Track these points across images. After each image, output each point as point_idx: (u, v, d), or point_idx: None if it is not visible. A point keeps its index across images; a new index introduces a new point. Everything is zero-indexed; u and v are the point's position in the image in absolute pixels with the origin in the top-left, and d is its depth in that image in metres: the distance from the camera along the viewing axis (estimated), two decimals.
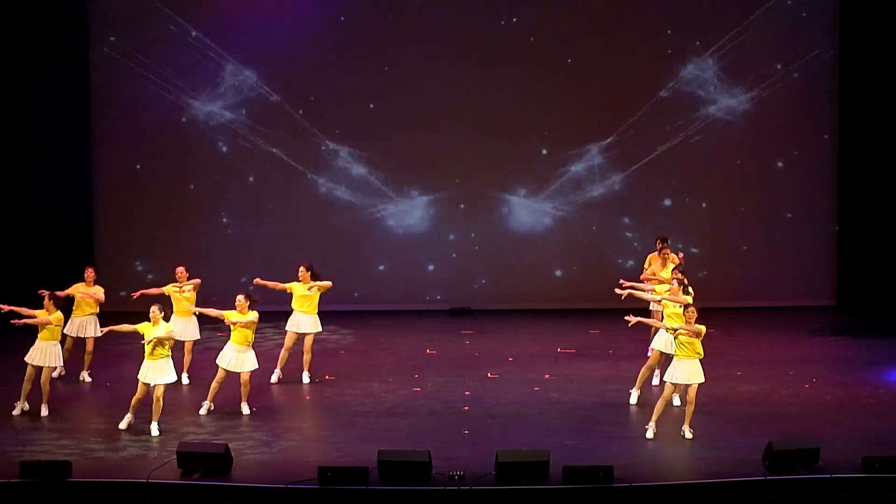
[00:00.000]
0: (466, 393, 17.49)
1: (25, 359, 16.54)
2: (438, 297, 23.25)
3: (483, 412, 16.50)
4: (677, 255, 19.16)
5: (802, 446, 14.11)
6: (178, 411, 16.49)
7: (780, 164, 23.04)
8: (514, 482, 13.65)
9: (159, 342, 15.60)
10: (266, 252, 22.85)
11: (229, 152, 23.03)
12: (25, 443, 15.27)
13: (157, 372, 15.64)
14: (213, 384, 16.50)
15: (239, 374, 16.43)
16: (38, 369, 16.50)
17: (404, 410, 16.67)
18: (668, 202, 23.08)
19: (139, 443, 15.27)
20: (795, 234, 23.16)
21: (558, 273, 23.23)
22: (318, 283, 17.92)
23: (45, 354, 16.47)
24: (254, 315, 16.47)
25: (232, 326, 16.40)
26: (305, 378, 18.07)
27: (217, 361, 16.54)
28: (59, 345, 16.64)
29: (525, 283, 23.20)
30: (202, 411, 16.46)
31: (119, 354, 18.88)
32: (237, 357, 16.42)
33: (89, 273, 18.32)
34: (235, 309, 16.47)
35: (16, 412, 16.47)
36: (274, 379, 17.98)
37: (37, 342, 16.54)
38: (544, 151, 23.13)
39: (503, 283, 23.25)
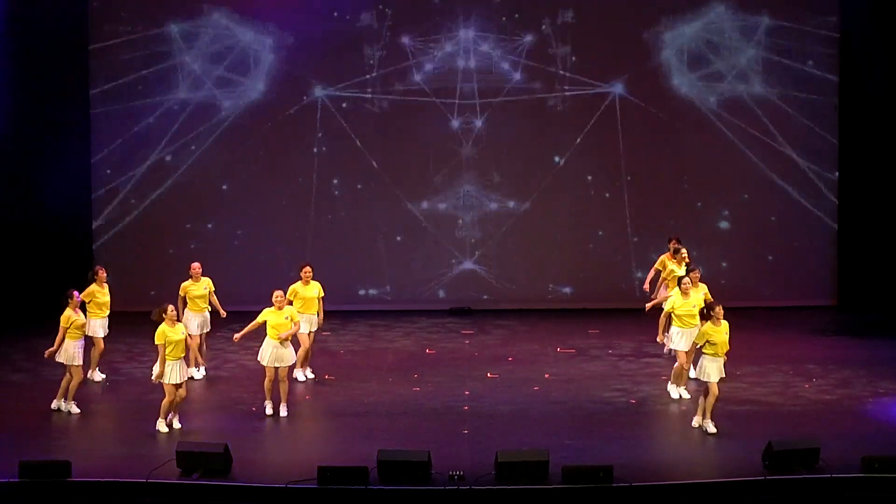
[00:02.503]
0: (466, 393, 17.49)
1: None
2: (438, 297, 23.25)
3: (483, 412, 16.49)
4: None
5: (802, 446, 14.12)
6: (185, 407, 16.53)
7: (780, 164, 23.04)
8: (513, 482, 13.65)
9: (176, 344, 15.62)
10: (265, 252, 22.89)
11: (228, 153, 23.04)
12: (25, 442, 15.27)
13: (181, 372, 15.71)
14: (267, 384, 16.43)
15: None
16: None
17: (404, 410, 16.67)
18: (667, 204, 23.07)
19: (147, 442, 15.33)
20: (796, 235, 23.15)
21: (559, 274, 23.22)
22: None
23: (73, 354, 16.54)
24: (290, 310, 16.59)
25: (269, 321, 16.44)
26: (310, 374, 18.17)
27: (259, 359, 16.53)
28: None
29: (525, 283, 23.21)
30: (268, 411, 16.41)
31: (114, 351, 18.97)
32: (275, 352, 16.40)
33: (101, 273, 18.24)
34: (273, 305, 16.45)
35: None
36: (301, 377, 18.03)
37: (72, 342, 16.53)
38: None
39: (503, 284, 23.25)
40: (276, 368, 16.38)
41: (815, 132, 22.95)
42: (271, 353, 16.39)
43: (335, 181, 23.15)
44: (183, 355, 15.75)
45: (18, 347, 20.11)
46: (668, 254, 19.38)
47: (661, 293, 18.67)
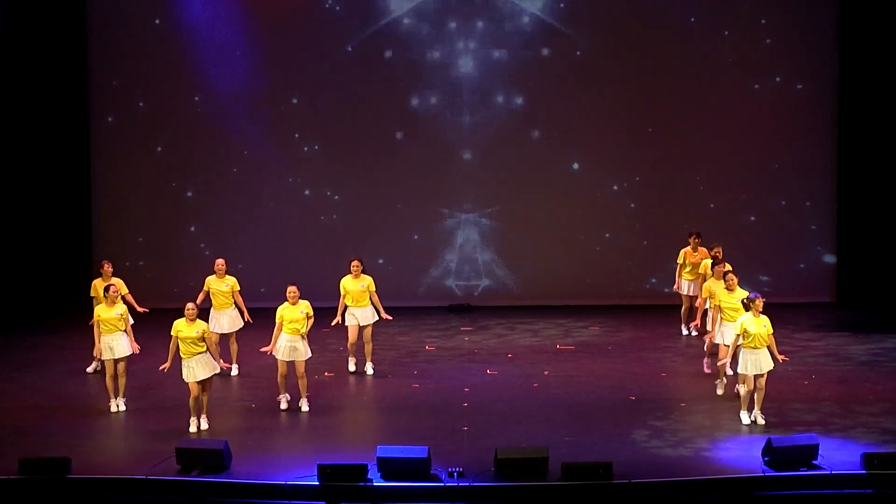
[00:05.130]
0: (466, 389, 17.49)
1: (102, 357, 16.55)
2: (438, 294, 23.25)
3: (482, 409, 16.50)
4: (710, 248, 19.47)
5: (801, 443, 14.12)
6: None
7: (779, 162, 23.04)
8: (513, 479, 13.66)
9: (199, 339, 15.60)
10: (264, 251, 22.91)
11: (226, 153, 23.06)
12: (24, 439, 15.27)
13: (204, 367, 15.63)
14: (279, 379, 16.50)
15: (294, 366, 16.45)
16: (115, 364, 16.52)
17: (403, 407, 16.67)
18: (665, 200, 23.07)
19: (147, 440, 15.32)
20: (794, 231, 23.16)
21: (558, 270, 23.23)
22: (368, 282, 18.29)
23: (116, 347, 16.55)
24: (306, 306, 16.54)
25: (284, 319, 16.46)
26: (370, 369, 18.31)
27: (273, 353, 16.54)
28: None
29: (524, 280, 23.21)
30: (282, 406, 16.47)
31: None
32: (290, 347, 16.41)
33: (107, 268, 18.27)
34: (287, 300, 16.44)
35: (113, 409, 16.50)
36: (352, 368, 18.30)
37: (103, 337, 16.48)
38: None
39: (502, 280, 23.25)
40: (291, 363, 16.40)
41: (814, 129, 22.95)
42: (286, 348, 16.41)
43: (329, 182, 23.15)
44: (199, 351, 15.64)
45: (18, 345, 20.11)
46: (688, 248, 19.79)
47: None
